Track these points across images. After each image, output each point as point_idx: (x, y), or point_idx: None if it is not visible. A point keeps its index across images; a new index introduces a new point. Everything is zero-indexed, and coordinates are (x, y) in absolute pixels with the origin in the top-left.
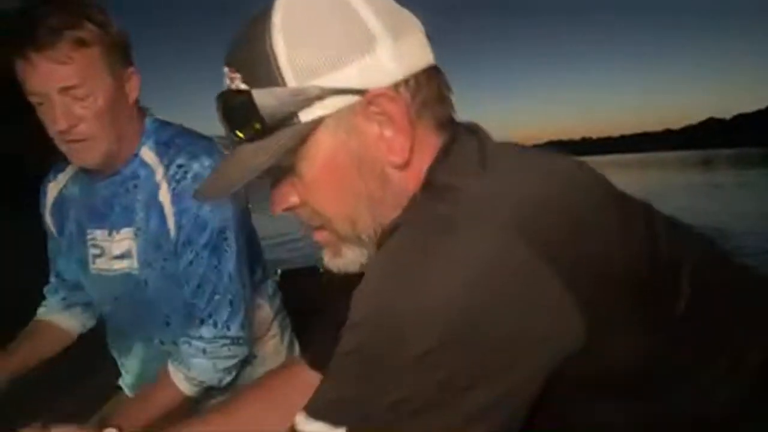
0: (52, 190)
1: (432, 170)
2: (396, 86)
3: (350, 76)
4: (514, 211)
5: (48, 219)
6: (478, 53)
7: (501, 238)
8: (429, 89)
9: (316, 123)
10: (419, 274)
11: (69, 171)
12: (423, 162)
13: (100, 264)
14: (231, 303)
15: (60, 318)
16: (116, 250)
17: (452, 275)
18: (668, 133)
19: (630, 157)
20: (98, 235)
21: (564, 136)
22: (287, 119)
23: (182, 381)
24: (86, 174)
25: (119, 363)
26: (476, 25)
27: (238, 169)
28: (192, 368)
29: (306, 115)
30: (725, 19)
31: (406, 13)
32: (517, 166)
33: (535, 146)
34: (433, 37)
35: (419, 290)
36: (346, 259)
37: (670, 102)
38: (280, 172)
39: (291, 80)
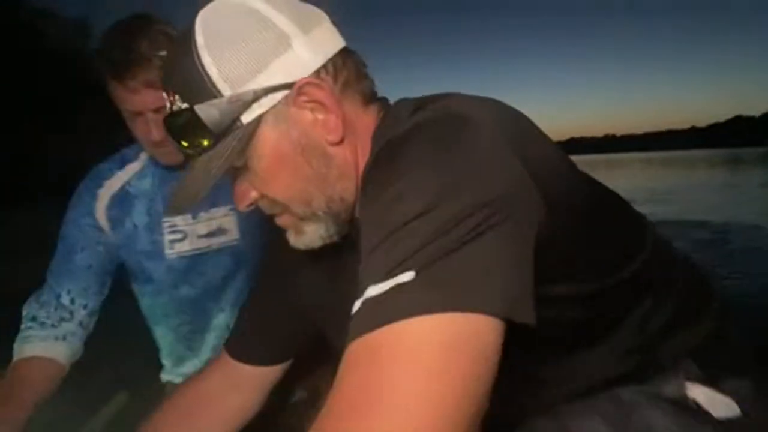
0: (108, 190)
1: (380, 134)
2: (317, 73)
3: (276, 73)
4: (485, 119)
5: (102, 219)
6: (497, 50)
7: (479, 135)
8: (347, 70)
9: (257, 122)
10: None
11: (129, 170)
12: (359, 133)
13: (181, 247)
14: None
15: (55, 350)
16: (203, 229)
17: (444, 163)
18: (694, 130)
19: (655, 155)
20: (179, 220)
21: (586, 133)
22: (231, 125)
23: None
24: (163, 168)
25: (186, 348)
26: (502, 23)
27: (198, 179)
28: None
29: (246, 117)
30: (752, 16)
31: (309, 7)
32: (466, 99)
33: (558, 143)
34: (456, 33)
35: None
36: (309, 235)
37: (697, 99)
38: (237, 172)
39: (226, 90)
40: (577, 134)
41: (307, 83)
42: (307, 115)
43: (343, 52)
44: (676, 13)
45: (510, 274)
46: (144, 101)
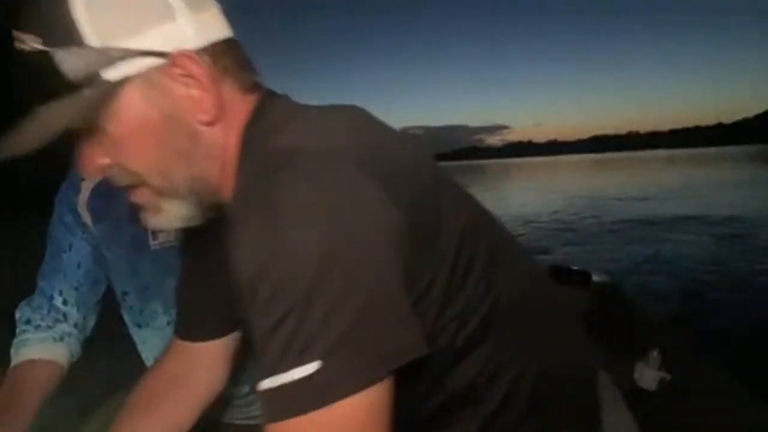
0: (90, 181)
1: (253, 127)
2: (197, 52)
3: (153, 39)
4: (348, 149)
5: (84, 212)
6: (514, 49)
7: (343, 172)
8: (229, 57)
9: (122, 83)
10: (287, 222)
11: None
12: (234, 121)
13: (165, 237)
14: None
15: (53, 351)
16: None
17: (312, 215)
18: (720, 127)
19: (680, 152)
20: None
21: (609, 131)
22: (90, 79)
23: None
24: None
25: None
26: (517, 21)
27: (39, 129)
28: None
29: (111, 74)
30: None
31: None
32: (333, 116)
33: (580, 141)
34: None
35: (291, 237)
36: (168, 214)
37: (724, 95)
38: (87, 134)
39: (92, 40)
40: (599, 132)
41: (185, 56)
42: (181, 89)
43: (229, 42)
44: (699, 9)
45: (400, 325)
46: None
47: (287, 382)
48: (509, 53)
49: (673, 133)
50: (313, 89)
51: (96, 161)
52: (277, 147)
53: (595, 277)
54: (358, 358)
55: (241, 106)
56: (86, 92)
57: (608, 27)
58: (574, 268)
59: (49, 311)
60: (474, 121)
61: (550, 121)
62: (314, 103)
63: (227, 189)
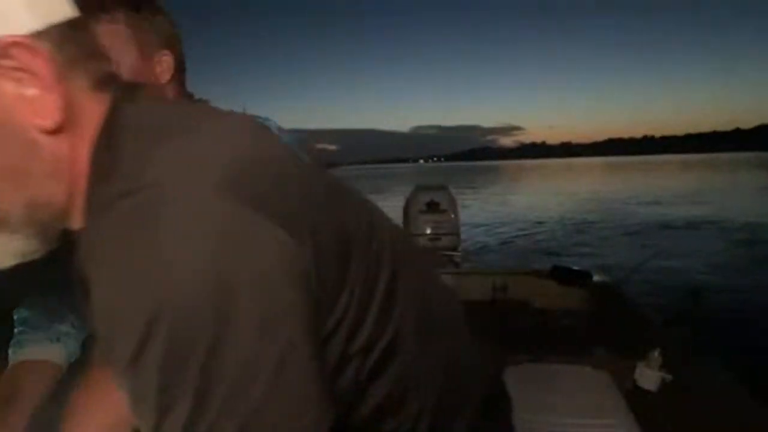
0: None
1: (109, 137)
2: (32, 38)
3: None
4: (232, 178)
5: None
6: (536, 48)
7: (229, 212)
8: (77, 44)
9: None
10: (150, 264)
11: None
12: (84, 127)
13: None
14: None
15: (50, 352)
16: None
17: (182, 254)
18: (738, 132)
19: (695, 157)
20: None
21: (624, 134)
22: None
23: None
24: None
25: None
26: (535, 23)
27: None
28: None
29: None
30: None
31: None
32: (205, 126)
33: (594, 143)
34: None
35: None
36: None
37: (742, 101)
38: None
39: None
40: (615, 135)
41: (18, 44)
42: (9, 87)
43: (76, 23)
44: (718, 12)
45: (311, 399)
46: None
47: None
48: (524, 54)
49: (689, 137)
50: (324, 89)
51: None
52: (144, 173)
53: (595, 278)
54: None
55: (92, 107)
56: None
57: (626, 29)
58: (575, 268)
59: (44, 312)
60: (488, 121)
61: (564, 123)
62: (324, 105)
63: (77, 212)
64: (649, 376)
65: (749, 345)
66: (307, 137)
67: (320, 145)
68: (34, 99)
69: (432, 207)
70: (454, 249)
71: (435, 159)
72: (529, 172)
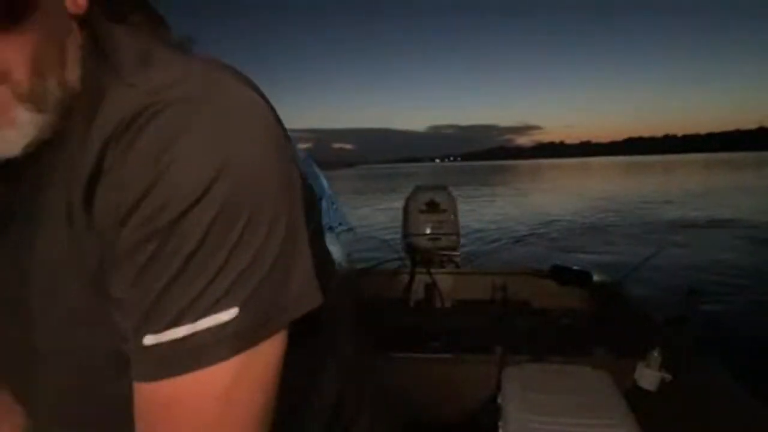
0: None
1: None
2: None
3: None
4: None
5: None
6: (554, 47)
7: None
8: None
9: None
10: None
11: None
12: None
13: None
14: None
15: None
16: None
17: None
18: (763, 131)
19: (719, 156)
20: None
21: (645, 133)
22: None
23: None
24: None
25: None
26: (555, 21)
27: None
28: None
29: None
30: None
31: None
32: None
33: (614, 143)
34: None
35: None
36: (22, 128)
37: (766, 99)
38: None
39: None
40: (634, 134)
41: None
42: None
43: None
44: (743, 11)
45: (302, 269)
46: None
47: (200, 330)
48: (543, 53)
49: (711, 136)
50: (341, 89)
51: None
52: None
53: (595, 278)
54: (273, 299)
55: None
56: None
57: (648, 27)
58: (575, 268)
59: None
60: (505, 121)
61: (583, 122)
62: (341, 104)
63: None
64: (648, 376)
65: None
66: (324, 137)
67: (337, 145)
68: None
69: (432, 207)
70: (454, 249)
71: (452, 158)
72: (546, 172)
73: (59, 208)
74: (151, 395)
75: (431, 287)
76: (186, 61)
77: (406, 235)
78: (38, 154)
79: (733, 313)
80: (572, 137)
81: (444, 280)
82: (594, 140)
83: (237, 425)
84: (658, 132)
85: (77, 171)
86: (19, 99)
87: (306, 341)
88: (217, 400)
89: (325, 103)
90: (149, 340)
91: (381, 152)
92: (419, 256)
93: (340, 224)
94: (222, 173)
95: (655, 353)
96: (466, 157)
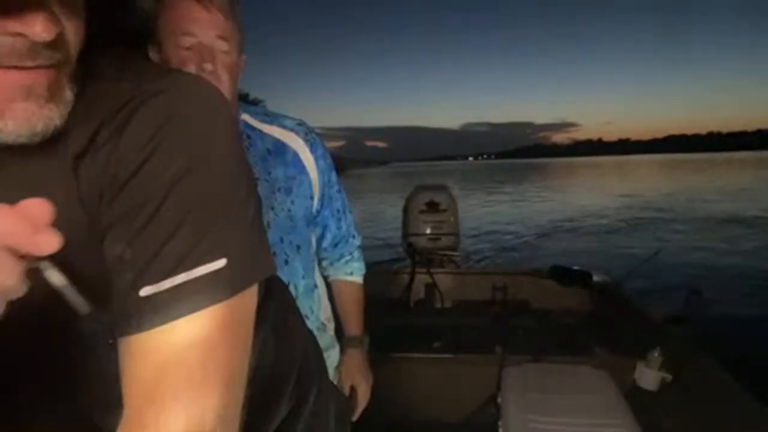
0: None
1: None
2: None
3: None
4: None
5: None
6: (593, 43)
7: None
8: None
9: None
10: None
11: None
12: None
13: None
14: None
15: None
16: None
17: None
18: None
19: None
20: None
21: (687, 131)
22: None
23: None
24: None
25: None
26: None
27: None
28: (359, 270)
29: None
30: None
31: None
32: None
33: (654, 140)
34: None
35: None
36: (64, 107)
37: None
38: None
39: None
40: (676, 131)
41: None
42: None
43: None
44: None
45: (265, 236)
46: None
47: (196, 277)
48: (580, 49)
49: (760, 133)
50: (374, 87)
51: (55, 24)
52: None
53: (595, 277)
54: (252, 255)
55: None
56: None
57: (688, 23)
58: (575, 268)
59: None
60: (541, 118)
61: (622, 119)
62: (374, 103)
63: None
64: (648, 376)
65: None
66: (357, 135)
67: (370, 143)
68: None
69: (432, 207)
70: (454, 249)
71: (485, 156)
72: (583, 170)
73: (53, 177)
74: (144, 345)
75: (431, 287)
76: (159, 67)
77: (406, 235)
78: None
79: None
80: (610, 134)
81: (444, 280)
82: (634, 138)
83: (225, 367)
84: (702, 129)
85: (66, 143)
86: (68, 79)
87: (263, 307)
88: (209, 345)
89: (359, 102)
90: (147, 291)
91: (414, 150)
92: (419, 257)
93: (353, 237)
94: (207, 151)
95: (655, 353)
96: (500, 155)
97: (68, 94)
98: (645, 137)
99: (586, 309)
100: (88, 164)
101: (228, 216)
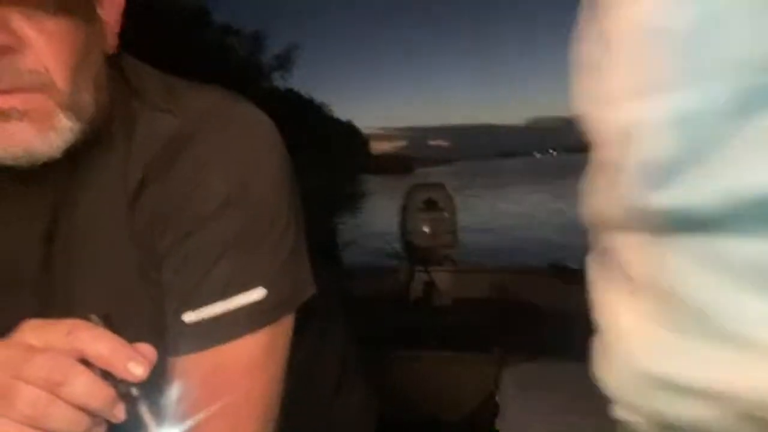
0: None
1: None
2: None
3: None
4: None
5: None
6: None
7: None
8: None
9: None
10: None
11: None
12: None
13: None
14: None
15: None
16: None
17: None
18: None
19: None
20: None
21: None
22: None
23: None
24: None
25: None
26: None
27: None
28: None
29: None
30: None
31: None
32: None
33: None
34: None
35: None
36: (61, 133)
37: None
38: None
39: None
40: None
41: None
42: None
43: None
44: None
45: (306, 260)
46: None
47: (234, 308)
48: None
49: None
50: (436, 85)
51: (1, 31)
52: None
53: None
54: (291, 281)
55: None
56: None
57: None
58: (573, 266)
59: None
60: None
61: None
62: (436, 101)
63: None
64: None
65: None
66: (420, 134)
67: (433, 142)
68: (115, 22)
69: (429, 205)
70: (452, 247)
71: (553, 151)
72: None
73: (106, 207)
74: (191, 367)
75: (430, 285)
76: (205, 91)
77: (404, 233)
78: (81, 163)
79: None
80: None
81: (442, 278)
82: None
83: (263, 395)
84: None
85: (125, 180)
86: (61, 107)
87: (304, 327)
88: (249, 370)
89: (420, 100)
90: (189, 317)
91: (478, 148)
92: (418, 255)
93: None
94: (247, 183)
95: None
96: (569, 149)
97: (64, 122)
98: None
99: (585, 307)
100: (142, 203)
101: (267, 246)
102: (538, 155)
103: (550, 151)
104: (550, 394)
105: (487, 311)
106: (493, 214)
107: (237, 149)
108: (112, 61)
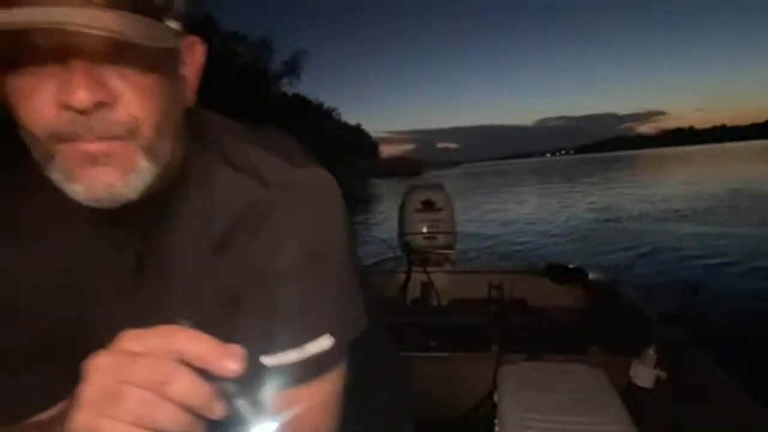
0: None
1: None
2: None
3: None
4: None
5: None
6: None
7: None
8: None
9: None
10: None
11: None
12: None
13: None
14: None
15: None
16: None
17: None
18: None
19: None
20: None
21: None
22: (180, 17)
23: None
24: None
25: None
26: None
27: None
28: None
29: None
30: None
31: None
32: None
33: (755, 125)
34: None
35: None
36: (141, 175)
37: None
38: (117, 54)
39: None
40: (760, 119)
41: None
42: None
43: None
44: None
45: (358, 301)
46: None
47: (309, 355)
48: (665, 32)
49: None
50: (443, 87)
51: (108, 89)
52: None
53: (591, 276)
54: (349, 320)
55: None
56: (173, 24)
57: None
58: (571, 266)
59: None
60: (623, 108)
61: (716, 104)
62: (444, 103)
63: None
64: (644, 374)
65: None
66: (428, 137)
67: (441, 144)
68: (192, 79)
69: (428, 206)
70: (450, 247)
71: (562, 152)
72: (671, 161)
73: (191, 248)
74: (271, 404)
75: (427, 286)
76: (275, 149)
77: (402, 234)
78: (164, 207)
79: None
80: (703, 122)
81: (440, 279)
82: (730, 123)
83: (327, 424)
84: None
85: (209, 227)
86: (143, 151)
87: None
88: (324, 408)
89: (428, 103)
90: (266, 361)
91: (487, 149)
92: (415, 255)
93: None
94: (321, 249)
95: (651, 351)
96: (579, 149)
97: (143, 164)
98: (744, 122)
99: (581, 307)
100: (226, 254)
101: (334, 297)
102: (548, 155)
103: (562, 152)
104: (547, 393)
105: (485, 312)
106: (501, 215)
107: (314, 219)
108: (188, 113)
